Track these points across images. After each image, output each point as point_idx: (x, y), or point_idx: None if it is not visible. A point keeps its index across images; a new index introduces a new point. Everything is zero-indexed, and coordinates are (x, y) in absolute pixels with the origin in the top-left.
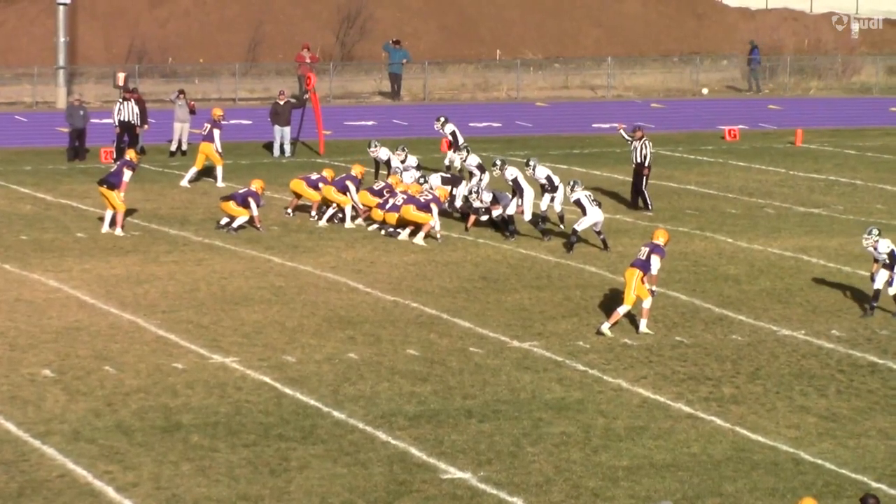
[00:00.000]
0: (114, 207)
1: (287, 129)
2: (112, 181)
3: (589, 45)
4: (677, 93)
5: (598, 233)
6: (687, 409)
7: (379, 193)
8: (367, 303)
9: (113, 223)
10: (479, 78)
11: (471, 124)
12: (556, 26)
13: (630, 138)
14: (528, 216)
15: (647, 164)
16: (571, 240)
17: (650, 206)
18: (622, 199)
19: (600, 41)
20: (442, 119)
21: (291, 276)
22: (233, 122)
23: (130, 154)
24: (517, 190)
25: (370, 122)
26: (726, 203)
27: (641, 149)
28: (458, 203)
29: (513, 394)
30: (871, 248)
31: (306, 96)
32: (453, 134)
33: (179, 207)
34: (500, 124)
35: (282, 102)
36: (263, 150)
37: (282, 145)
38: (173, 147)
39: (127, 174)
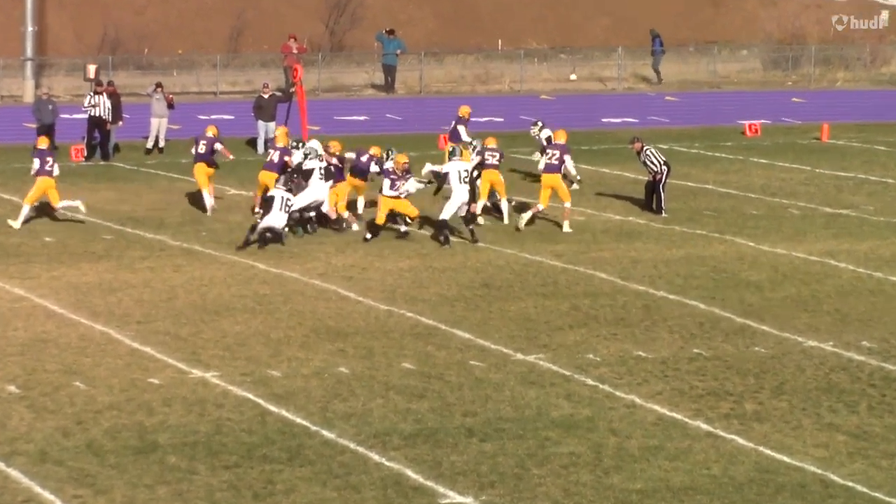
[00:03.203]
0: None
1: (272, 125)
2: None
3: (598, 34)
4: (693, 84)
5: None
6: (706, 427)
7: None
8: (358, 312)
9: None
10: (480, 69)
11: (471, 119)
12: (562, 14)
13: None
14: (444, 215)
15: (660, 171)
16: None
17: (663, 210)
18: (635, 200)
19: (610, 30)
20: (539, 124)
21: (277, 284)
22: (213, 116)
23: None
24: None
25: (362, 117)
26: (747, 203)
27: (647, 162)
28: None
29: (517, 411)
30: None
31: (292, 89)
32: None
33: (156, 209)
34: (501, 119)
35: (266, 96)
36: (246, 146)
37: (266, 142)
38: (149, 144)
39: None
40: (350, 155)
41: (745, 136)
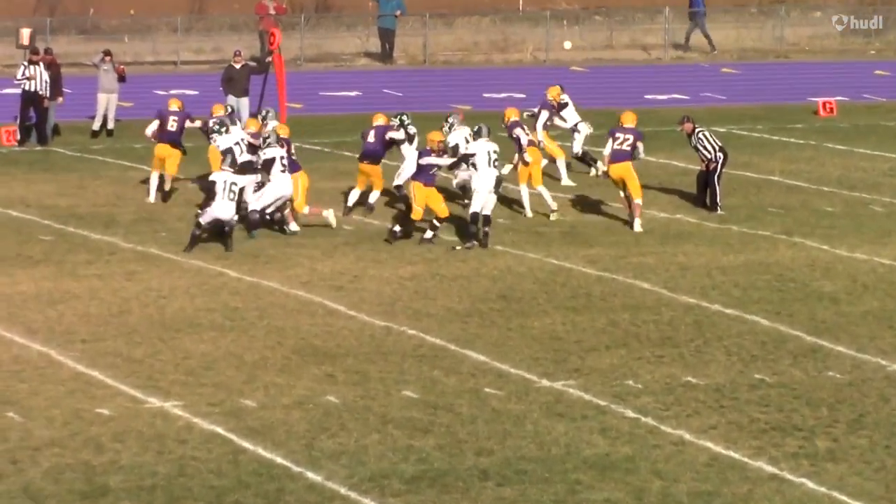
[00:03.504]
0: None
1: (245, 101)
2: None
3: None
4: (756, 54)
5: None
6: (769, 468)
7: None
8: (350, 329)
9: None
10: (497, 34)
11: (485, 95)
12: None
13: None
14: (475, 207)
15: (714, 158)
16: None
17: (718, 206)
18: (685, 195)
19: None
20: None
21: (251, 295)
22: (173, 91)
23: None
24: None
25: (353, 93)
26: (820, 198)
27: (699, 147)
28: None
29: (542, 449)
30: None
31: (269, 59)
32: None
33: (104, 204)
34: (523, 95)
35: (238, 66)
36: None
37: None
38: (96, 125)
39: None
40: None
41: (817, 117)
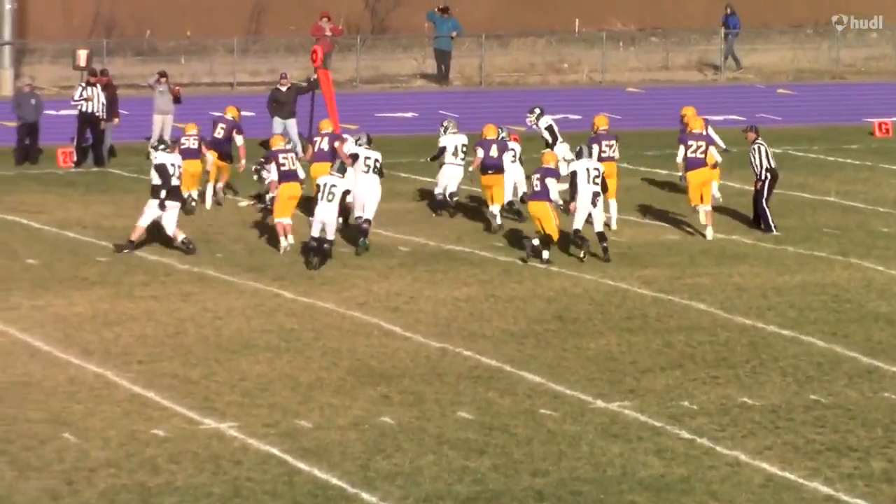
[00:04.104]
0: None
1: (292, 122)
2: None
3: (696, 13)
4: (811, 75)
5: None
6: (825, 489)
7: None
8: (405, 350)
9: None
10: (553, 55)
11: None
12: None
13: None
14: (577, 224)
15: (761, 176)
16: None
17: (772, 227)
18: (740, 216)
19: (711, 7)
20: (537, 111)
21: (307, 316)
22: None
23: None
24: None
25: (409, 114)
26: (877, 219)
27: (751, 158)
28: None
29: (597, 470)
30: None
31: (314, 77)
32: (550, 129)
33: (160, 225)
34: (579, 116)
35: (284, 88)
36: (259, 148)
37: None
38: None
39: None
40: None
41: (873, 138)
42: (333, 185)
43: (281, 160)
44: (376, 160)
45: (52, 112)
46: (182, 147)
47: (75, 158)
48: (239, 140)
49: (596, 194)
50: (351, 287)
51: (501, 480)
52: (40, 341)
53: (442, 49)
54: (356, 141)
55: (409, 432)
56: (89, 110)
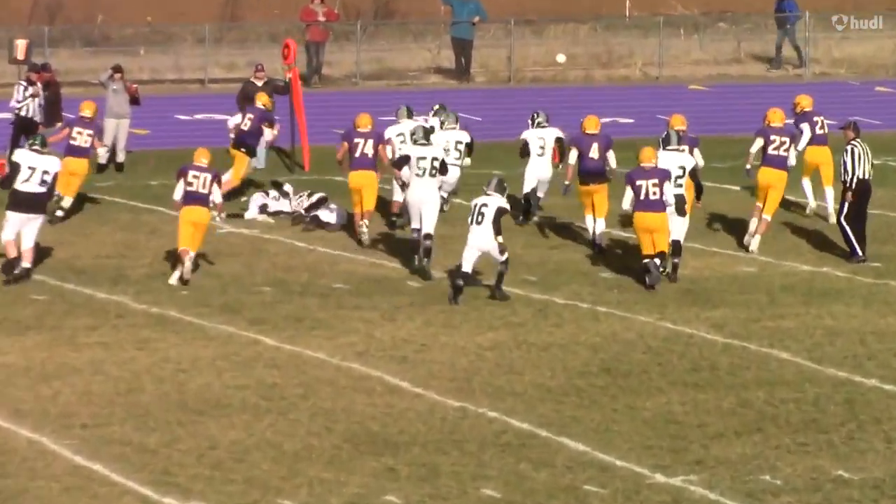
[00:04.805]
0: None
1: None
2: None
3: None
4: None
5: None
6: None
7: None
8: (416, 412)
9: None
10: (598, 46)
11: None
12: None
13: None
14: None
15: (851, 185)
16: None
17: (857, 251)
18: (831, 243)
19: None
20: (540, 116)
21: (292, 368)
22: (198, 116)
23: None
24: None
25: (421, 117)
26: None
27: (843, 160)
28: None
29: None
30: None
31: (289, 77)
32: (559, 141)
33: (112, 255)
34: (631, 120)
35: (259, 83)
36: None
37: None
38: (102, 157)
39: None
40: None
41: None
42: (484, 205)
43: (190, 178)
44: (433, 159)
45: None
46: (72, 143)
47: (7, 171)
48: (268, 135)
49: (681, 198)
50: (347, 332)
51: None
52: None
53: (461, 37)
54: (411, 135)
55: None
56: (28, 114)
